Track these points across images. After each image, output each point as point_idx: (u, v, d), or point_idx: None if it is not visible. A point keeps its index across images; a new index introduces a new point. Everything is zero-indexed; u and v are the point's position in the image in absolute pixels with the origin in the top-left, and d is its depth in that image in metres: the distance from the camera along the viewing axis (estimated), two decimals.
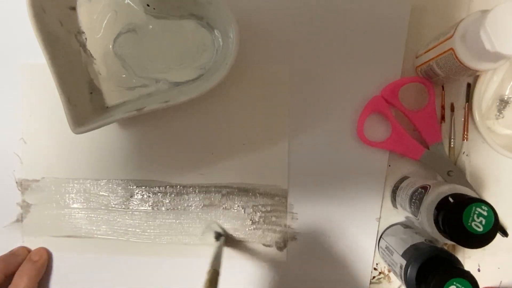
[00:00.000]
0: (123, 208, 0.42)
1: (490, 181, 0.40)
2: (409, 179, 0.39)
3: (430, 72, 0.37)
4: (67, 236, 0.42)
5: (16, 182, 0.42)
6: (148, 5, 0.38)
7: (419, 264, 0.33)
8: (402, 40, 0.39)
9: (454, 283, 0.30)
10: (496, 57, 0.30)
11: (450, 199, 0.31)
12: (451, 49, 0.32)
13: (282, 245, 0.41)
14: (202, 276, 0.31)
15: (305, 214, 0.41)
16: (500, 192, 0.40)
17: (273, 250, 0.41)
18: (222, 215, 0.41)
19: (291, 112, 0.40)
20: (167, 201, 0.41)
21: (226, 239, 0.40)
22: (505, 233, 0.39)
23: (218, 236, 0.40)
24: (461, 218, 0.29)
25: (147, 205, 0.42)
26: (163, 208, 0.41)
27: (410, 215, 0.36)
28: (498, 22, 0.28)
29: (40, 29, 0.33)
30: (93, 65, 0.39)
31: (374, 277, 0.42)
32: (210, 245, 0.40)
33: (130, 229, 0.42)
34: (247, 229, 0.41)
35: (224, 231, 0.41)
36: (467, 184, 0.39)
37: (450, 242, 0.36)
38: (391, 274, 0.42)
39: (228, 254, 0.41)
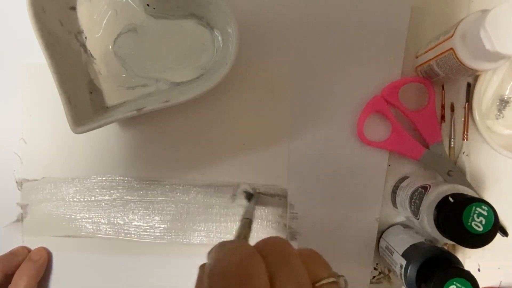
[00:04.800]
0: (123, 208, 0.42)
1: (490, 181, 0.40)
2: (409, 179, 0.39)
3: (430, 72, 0.37)
4: (67, 236, 0.42)
5: (16, 182, 0.42)
6: (148, 5, 0.38)
7: (419, 264, 0.33)
8: (402, 40, 0.39)
9: (454, 283, 0.30)
10: (496, 57, 0.30)
11: (450, 199, 0.31)
12: (451, 49, 0.32)
13: None
14: None
15: (305, 214, 0.41)
16: (500, 192, 0.40)
17: None
18: (222, 215, 0.41)
19: (291, 111, 0.40)
20: (167, 201, 0.41)
21: (258, 198, 0.40)
22: (505, 233, 0.39)
23: (249, 196, 0.40)
24: (461, 218, 0.29)
25: (146, 204, 0.42)
26: (163, 208, 0.41)
27: (410, 215, 0.36)
28: (498, 22, 0.28)
29: (40, 29, 0.33)
30: (93, 65, 0.39)
31: (374, 277, 0.42)
32: (241, 206, 0.41)
33: (130, 228, 0.42)
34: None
35: (254, 190, 0.40)
36: (467, 184, 0.39)
37: (450, 242, 0.36)
38: (391, 274, 0.42)
39: None
